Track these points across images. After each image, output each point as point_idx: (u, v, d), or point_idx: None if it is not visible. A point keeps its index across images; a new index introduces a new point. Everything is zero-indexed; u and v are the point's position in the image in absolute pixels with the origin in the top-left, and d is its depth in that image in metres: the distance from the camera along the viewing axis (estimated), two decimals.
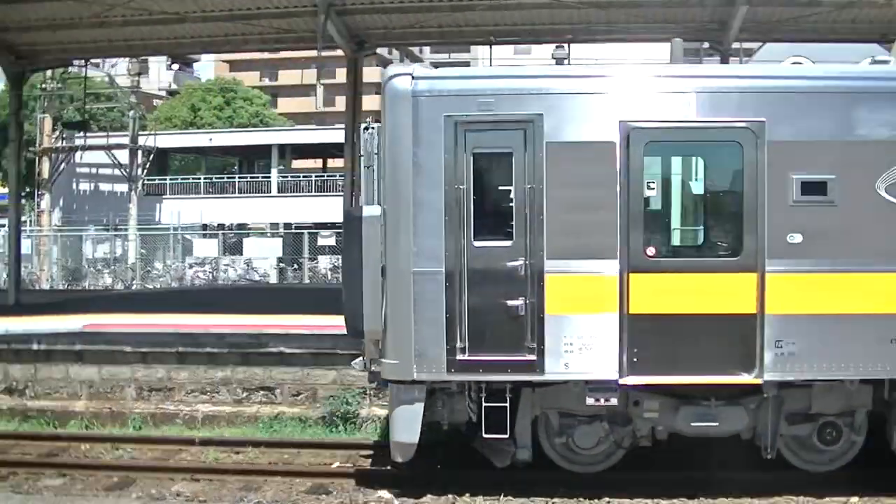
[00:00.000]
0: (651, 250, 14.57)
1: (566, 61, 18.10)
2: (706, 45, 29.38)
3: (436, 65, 16.28)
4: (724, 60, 27.75)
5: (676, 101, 14.68)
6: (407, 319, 14.65)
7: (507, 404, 14.87)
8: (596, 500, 15.09)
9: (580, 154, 14.62)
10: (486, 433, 14.94)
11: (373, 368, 15.49)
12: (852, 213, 14.44)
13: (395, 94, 14.75)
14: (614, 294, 14.49)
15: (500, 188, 14.82)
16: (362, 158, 16.06)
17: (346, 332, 15.69)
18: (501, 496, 15.24)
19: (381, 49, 41.58)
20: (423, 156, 14.59)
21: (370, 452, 18.19)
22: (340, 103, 29.89)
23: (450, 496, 15.37)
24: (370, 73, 38.74)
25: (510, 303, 14.55)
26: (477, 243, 14.60)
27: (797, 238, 14.36)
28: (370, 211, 15.04)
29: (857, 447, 15.37)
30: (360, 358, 16.28)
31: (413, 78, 14.74)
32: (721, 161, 15.11)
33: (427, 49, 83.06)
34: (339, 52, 29.65)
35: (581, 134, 14.66)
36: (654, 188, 14.73)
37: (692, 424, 14.99)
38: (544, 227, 14.48)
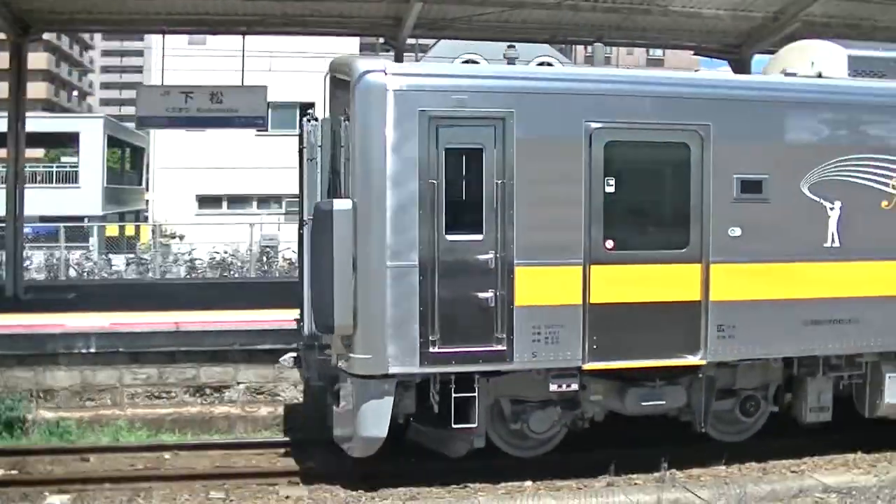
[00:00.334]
0: (609, 243, 15.56)
1: (517, 61, 18.22)
2: (381, 40, 29.93)
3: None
4: (399, 57, 28.05)
5: (635, 104, 15.87)
6: (380, 314, 14.78)
7: (476, 394, 15.33)
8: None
9: (548, 151, 15.43)
10: (455, 423, 15.31)
11: (340, 364, 15.32)
12: (782, 210, 16.25)
13: (368, 89, 14.85)
14: (578, 285, 15.40)
15: (472, 183, 15.24)
16: (304, 150, 16.00)
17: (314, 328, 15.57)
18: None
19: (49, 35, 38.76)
20: (396, 150, 14.79)
21: None
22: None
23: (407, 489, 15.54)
24: (36, 60, 35.65)
25: (481, 295, 15.03)
26: (449, 237, 14.98)
27: (737, 231, 15.98)
28: (341, 205, 14.92)
29: (766, 417, 17.22)
30: (289, 354, 16.14)
31: (386, 73, 14.87)
32: (672, 160, 16.22)
33: (98, 36, 76.65)
34: (2, 36, 28.08)
35: (549, 132, 15.41)
36: (612, 185, 15.64)
37: (642, 404, 16.13)
38: (514, 221, 15.15)
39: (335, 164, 15.76)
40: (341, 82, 15.88)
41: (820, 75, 17.50)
